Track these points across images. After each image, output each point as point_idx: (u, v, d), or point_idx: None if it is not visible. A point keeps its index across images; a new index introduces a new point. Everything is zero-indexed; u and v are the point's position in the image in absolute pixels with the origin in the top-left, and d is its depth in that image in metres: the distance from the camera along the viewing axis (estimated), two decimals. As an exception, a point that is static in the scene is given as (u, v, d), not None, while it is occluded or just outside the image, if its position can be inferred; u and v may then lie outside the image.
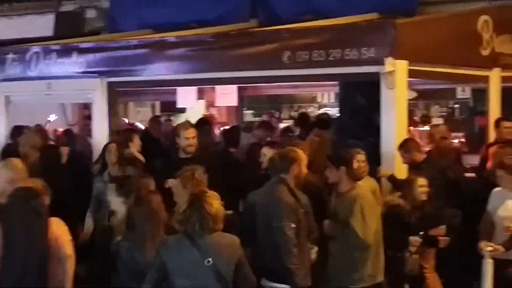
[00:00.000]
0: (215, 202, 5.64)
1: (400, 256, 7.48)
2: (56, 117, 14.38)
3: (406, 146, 8.49)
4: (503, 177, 7.59)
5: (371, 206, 6.97)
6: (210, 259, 5.50)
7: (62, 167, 9.39)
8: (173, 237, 5.78)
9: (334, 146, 8.88)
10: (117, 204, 7.78)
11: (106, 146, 9.02)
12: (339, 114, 11.95)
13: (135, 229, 6.29)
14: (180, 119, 14.12)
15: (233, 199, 7.78)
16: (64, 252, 6.36)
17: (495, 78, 10.43)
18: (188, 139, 8.58)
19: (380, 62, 8.30)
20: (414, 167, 8.41)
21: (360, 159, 7.44)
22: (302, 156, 6.87)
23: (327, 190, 7.45)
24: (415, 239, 7.42)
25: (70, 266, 6.41)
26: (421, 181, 7.78)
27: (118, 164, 8.60)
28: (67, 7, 16.26)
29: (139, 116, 16.55)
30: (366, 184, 7.54)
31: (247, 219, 6.89)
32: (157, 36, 11.28)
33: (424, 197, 7.73)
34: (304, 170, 6.89)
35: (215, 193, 5.76)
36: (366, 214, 6.79)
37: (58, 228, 6.42)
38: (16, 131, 10.89)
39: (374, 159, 8.42)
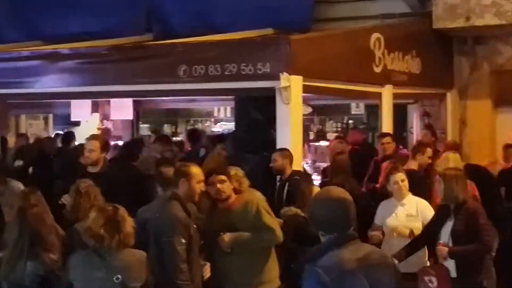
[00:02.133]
0: (128, 219, 5.57)
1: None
2: None
3: None
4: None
5: (267, 204, 7.06)
6: (119, 276, 5.41)
7: None
8: (77, 254, 5.68)
9: (231, 160, 8.87)
10: None
11: None
12: (235, 129, 11.99)
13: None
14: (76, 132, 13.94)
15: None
16: None
17: (387, 94, 10.69)
18: (89, 151, 8.38)
19: (275, 77, 8.35)
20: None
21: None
22: (194, 170, 6.82)
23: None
24: None
25: None
26: (316, 189, 7.84)
27: None
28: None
29: (31, 130, 16.18)
30: (253, 195, 7.56)
31: (140, 235, 6.79)
32: (50, 48, 11.04)
33: None
34: (198, 185, 6.84)
35: (124, 208, 5.68)
36: (269, 212, 6.89)
37: None
38: None
39: (269, 173, 8.48)
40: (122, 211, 5.66)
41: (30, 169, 9.26)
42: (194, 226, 6.55)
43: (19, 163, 10.74)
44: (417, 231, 7.60)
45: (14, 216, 6.33)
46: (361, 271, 4.09)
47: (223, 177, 7.03)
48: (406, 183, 7.88)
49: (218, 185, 7.00)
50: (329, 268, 4.04)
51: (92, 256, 5.53)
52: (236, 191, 7.11)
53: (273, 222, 6.95)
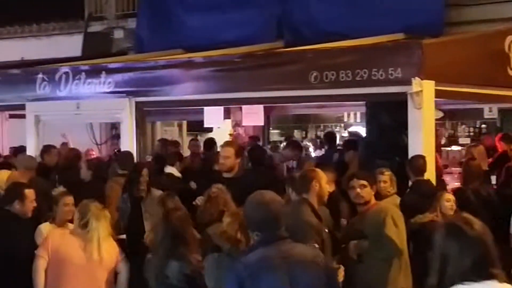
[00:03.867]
0: None
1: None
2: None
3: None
4: None
5: (400, 216, 7.02)
6: None
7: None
8: (210, 256, 5.88)
9: (362, 165, 8.88)
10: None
11: (139, 167, 9.03)
12: (366, 134, 11.96)
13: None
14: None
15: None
16: (121, 263, 6.99)
17: (523, 98, 10.42)
18: (223, 158, 8.59)
19: (407, 82, 8.31)
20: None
21: (382, 179, 7.49)
22: (321, 174, 6.90)
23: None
24: None
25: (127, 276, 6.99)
26: (448, 195, 7.78)
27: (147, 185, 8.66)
28: (95, 28, 16.46)
29: (166, 136, 16.63)
30: (392, 203, 7.60)
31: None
32: (184, 56, 11.38)
33: (451, 211, 7.71)
34: (325, 188, 6.91)
35: None
36: (398, 223, 6.86)
37: (108, 242, 6.88)
38: (46, 150, 11.02)
39: (401, 178, 8.42)
40: None
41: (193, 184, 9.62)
42: (326, 230, 6.62)
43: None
44: None
45: (159, 220, 6.61)
46: (282, 268, 4.36)
47: (364, 182, 7.07)
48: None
49: (358, 190, 7.05)
50: (249, 264, 4.38)
51: (225, 259, 5.67)
52: (380, 196, 7.15)
53: (396, 234, 6.88)
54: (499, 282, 3.47)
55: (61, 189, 8.03)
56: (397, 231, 6.86)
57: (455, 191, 8.63)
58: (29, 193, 7.46)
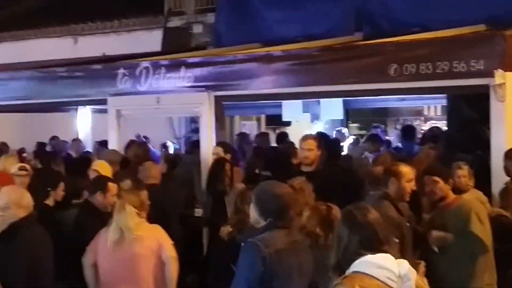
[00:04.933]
0: None
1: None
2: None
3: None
4: None
5: (484, 212, 6.90)
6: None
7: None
8: None
9: (443, 160, 8.76)
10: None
11: (220, 162, 9.11)
12: (447, 128, 11.81)
13: None
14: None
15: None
16: (166, 254, 6.78)
17: None
18: (305, 151, 8.56)
19: (490, 74, 8.14)
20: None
21: (461, 174, 7.39)
22: (404, 170, 6.83)
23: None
24: None
25: (174, 268, 6.67)
26: None
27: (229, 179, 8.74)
28: (174, 23, 16.65)
29: (244, 130, 16.73)
30: (473, 197, 7.46)
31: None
32: (263, 50, 11.39)
33: None
34: (408, 184, 6.84)
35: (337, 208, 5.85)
36: (483, 219, 6.74)
37: (159, 233, 6.88)
38: (130, 145, 11.24)
39: (483, 173, 8.27)
40: (335, 210, 5.77)
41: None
42: (407, 224, 6.55)
43: None
44: None
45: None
46: (292, 251, 5.07)
47: (436, 178, 6.98)
48: None
49: (430, 186, 6.96)
50: (268, 243, 4.95)
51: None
52: (460, 191, 7.05)
53: (482, 231, 6.78)
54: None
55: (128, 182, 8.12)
56: (482, 227, 6.74)
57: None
58: (112, 186, 7.59)
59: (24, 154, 13.21)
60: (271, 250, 4.91)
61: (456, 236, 6.78)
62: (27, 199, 6.40)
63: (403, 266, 4.00)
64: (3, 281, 5.98)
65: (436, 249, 6.89)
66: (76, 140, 14.02)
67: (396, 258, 4.05)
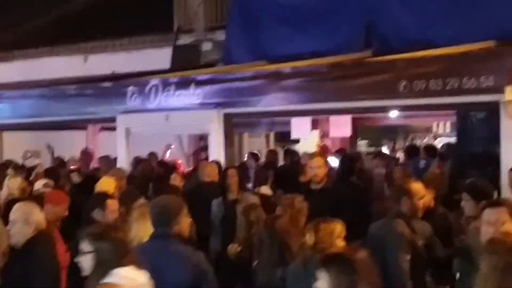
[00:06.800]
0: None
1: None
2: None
3: None
4: None
5: None
6: None
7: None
8: (292, 265, 5.91)
9: (454, 176, 8.72)
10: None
11: (226, 170, 9.12)
12: (457, 144, 11.75)
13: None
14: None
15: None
16: None
17: None
18: (315, 168, 8.48)
19: (500, 91, 8.13)
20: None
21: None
22: (415, 187, 6.78)
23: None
24: None
25: None
26: None
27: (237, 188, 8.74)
28: (184, 40, 16.65)
29: (253, 147, 16.70)
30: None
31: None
32: (272, 67, 11.39)
33: None
34: (420, 202, 6.79)
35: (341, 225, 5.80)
36: None
37: None
38: (138, 162, 11.22)
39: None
40: (340, 227, 5.73)
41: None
42: (420, 242, 6.51)
43: None
44: None
45: (262, 227, 6.69)
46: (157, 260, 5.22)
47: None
48: None
49: None
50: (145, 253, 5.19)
51: (300, 269, 5.68)
52: None
53: None
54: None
55: (142, 201, 8.10)
56: None
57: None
58: (112, 203, 7.53)
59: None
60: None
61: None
62: (36, 216, 6.37)
63: None
64: None
65: (457, 274, 6.79)
66: (85, 152, 14.06)
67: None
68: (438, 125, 19.10)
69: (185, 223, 5.62)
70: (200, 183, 9.63)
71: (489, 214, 5.00)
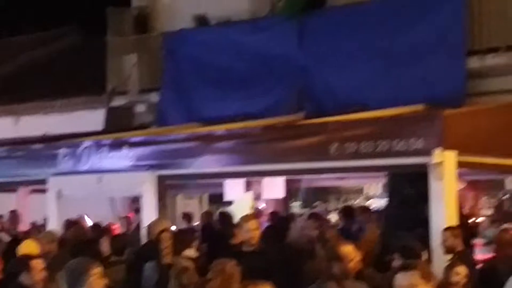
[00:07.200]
0: None
1: None
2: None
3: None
4: None
5: None
6: None
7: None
8: None
9: (384, 237, 8.80)
10: None
11: (159, 234, 9.02)
12: (387, 206, 11.89)
13: None
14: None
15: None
16: None
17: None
18: (250, 231, 8.48)
19: (428, 153, 8.29)
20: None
21: None
22: (346, 250, 6.81)
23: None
24: None
25: None
26: (460, 269, 7.52)
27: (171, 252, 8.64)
28: (117, 102, 16.62)
29: (188, 209, 16.61)
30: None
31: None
32: (206, 129, 11.44)
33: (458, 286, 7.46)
34: (351, 265, 6.81)
35: None
36: None
37: None
38: (69, 225, 11.04)
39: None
40: None
41: None
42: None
43: None
44: None
45: None
46: None
47: None
48: None
49: None
50: None
51: None
52: None
53: None
54: None
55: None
56: None
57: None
58: (36, 263, 7.37)
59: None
60: None
61: None
62: None
63: None
64: None
65: None
66: (14, 212, 13.82)
67: None
68: (369, 187, 19.31)
69: (96, 285, 5.50)
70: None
71: (400, 279, 4.98)
